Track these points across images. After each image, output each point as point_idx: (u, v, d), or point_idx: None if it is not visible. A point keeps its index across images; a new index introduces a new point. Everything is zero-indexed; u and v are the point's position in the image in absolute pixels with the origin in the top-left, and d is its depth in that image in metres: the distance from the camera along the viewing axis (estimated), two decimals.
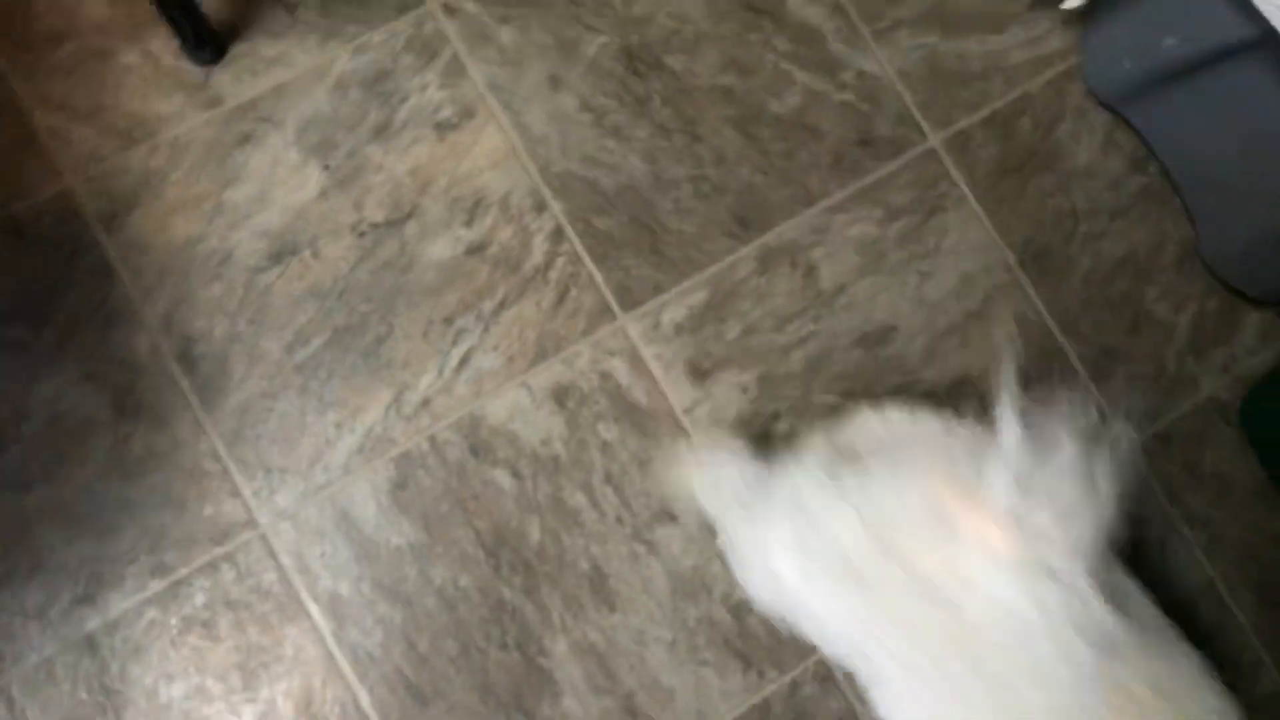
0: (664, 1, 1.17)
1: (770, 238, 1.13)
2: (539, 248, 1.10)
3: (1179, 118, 1.10)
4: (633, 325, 1.10)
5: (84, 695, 0.97)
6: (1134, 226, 1.19)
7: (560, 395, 1.07)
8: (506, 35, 1.14)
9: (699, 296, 1.11)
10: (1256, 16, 0.89)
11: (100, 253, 1.06)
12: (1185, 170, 1.14)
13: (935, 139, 1.17)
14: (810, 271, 1.12)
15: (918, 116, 1.18)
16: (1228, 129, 1.05)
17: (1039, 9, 1.22)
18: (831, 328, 1.11)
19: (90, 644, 0.98)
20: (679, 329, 1.10)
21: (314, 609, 1.01)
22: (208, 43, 1.10)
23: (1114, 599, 0.68)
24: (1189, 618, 1.07)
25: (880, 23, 1.20)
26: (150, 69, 1.10)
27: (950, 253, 1.15)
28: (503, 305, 1.09)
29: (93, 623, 0.98)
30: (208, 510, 1.01)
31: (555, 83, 1.14)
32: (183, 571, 1.00)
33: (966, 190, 1.16)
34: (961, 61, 1.20)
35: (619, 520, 1.06)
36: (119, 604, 0.99)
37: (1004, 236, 1.16)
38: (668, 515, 1.06)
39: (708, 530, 1.06)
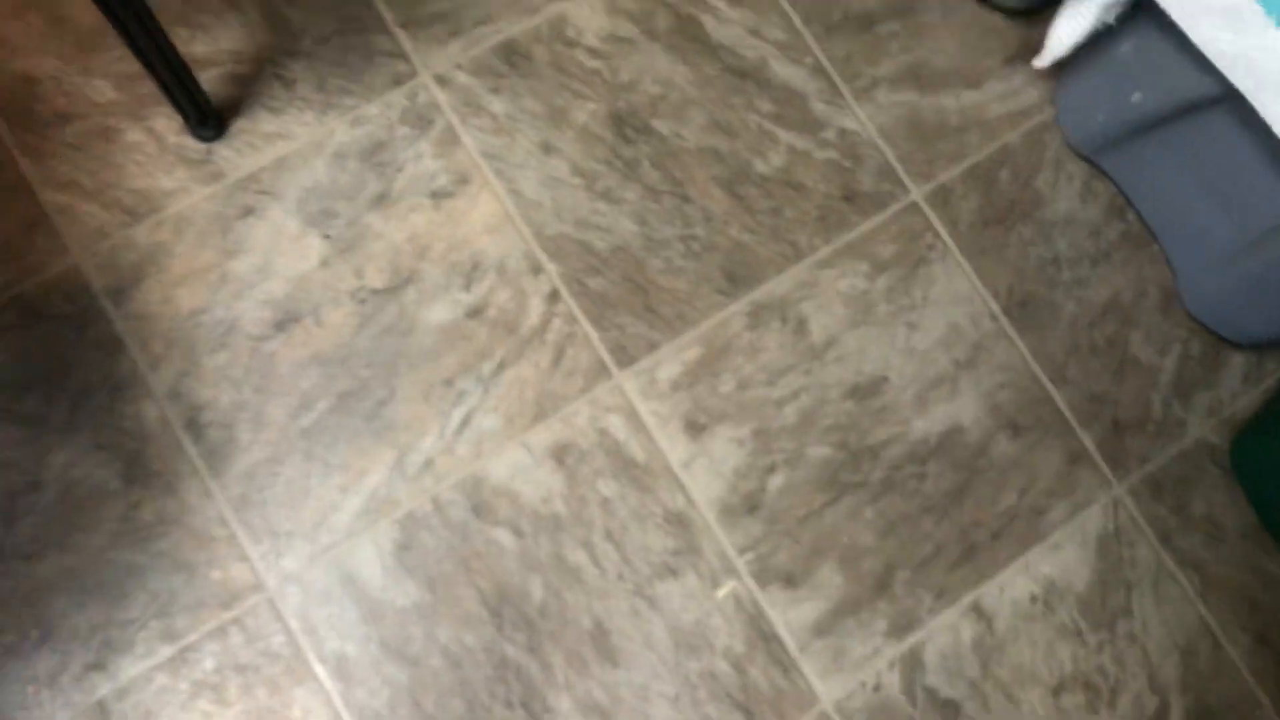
0: (649, 68, 1.21)
1: (760, 294, 1.16)
2: (535, 309, 1.13)
3: (1152, 167, 1.14)
4: (629, 382, 1.12)
5: None
6: (1116, 272, 1.22)
7: (559, 453, 1.10)
8: (498, 104, 1.18)
9: (692, 353, 1.13)
10: (1217, 73, 0.93)
11: (108, 326, 1.08)
12: (1161, 217, 1.18)
13: (917, 192, 1.21)
14: (800, 326, 1.15)
15: (899, 171, 1.21)
16: (1198, 178, 1.09)
17: (1013, 64, 1.26)
18: (823, 380, 1.14)
19: (102, 710, 0.99)
20: (674, 385, 1.12)
21: (321, 670, 1.02)
22: (209, 119, 1.14)
23: None
24: (1185, 661, 1.08)
25: (860, 81, 1.24)
26: (154, 146, 1.14)
27: (937, 303, 1.17)
28: (502, 366, 1.11)
29: (104, 689, 1.00)
30: (216, 575, 1.03)
31: (547, 149, 1.18)
32: (192, 636, 1.02)
33: (950, 242, 1.20)
34: (940, 116, 1.24)
35: (620, 576, 1.07)
36: (129, 670, 1.01)
37: (989, 286, 1.19)
38: (668, 570, 1.08)
39: (708, 583, 1.08)
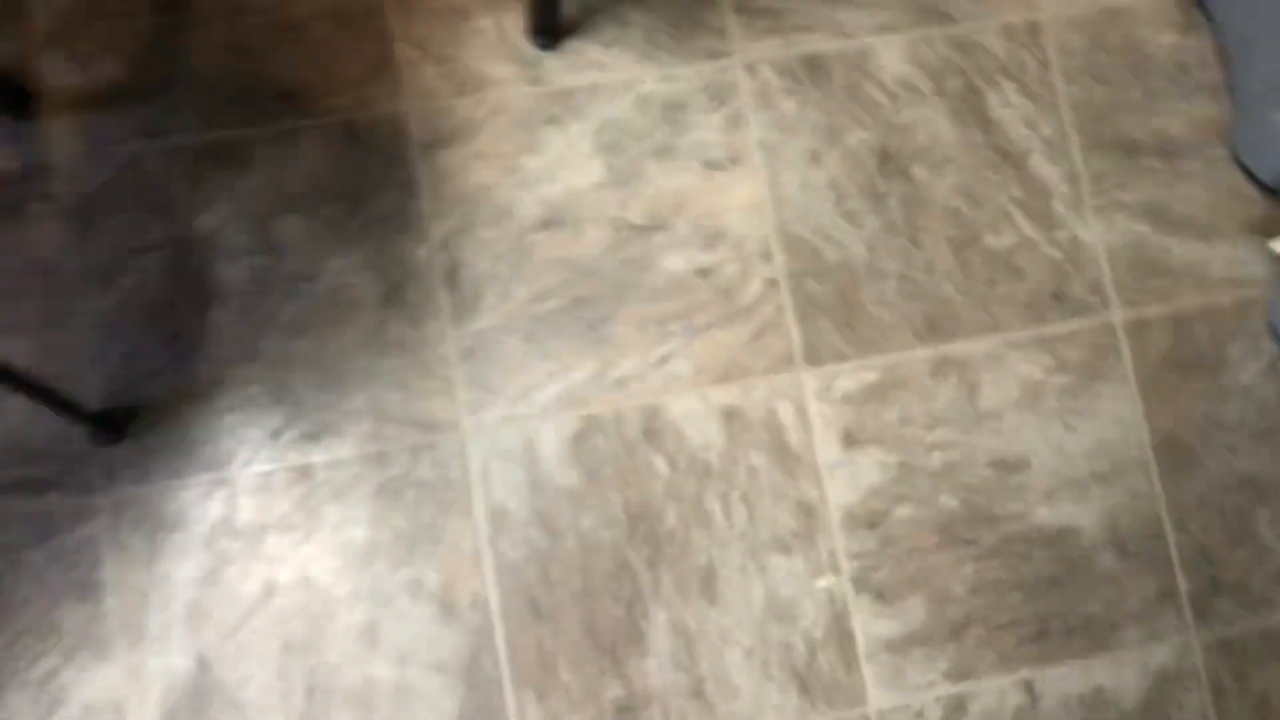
0: (927, 121, 1.34)
1: (950, 349, 1.28)
2: (754, 289, 1.28)
3: None
4: (809, 380, 1.26)
5: (287, 509, 1.19)
6: (1269, 453, 1.30)
7: (729, 415, 1.25)
8: (788, 105, 1.33)
9: (872, 376, 1.27)
10: None
11: (412, 172, 1.27)
12: None
13: (1118, 316, 1.31)
14: (973, 389, 1.28)
15: (1110, 290, 1.32)
16: None
17: (1249, 235, 1.35)
18: (974, 443, 1.27)
19: (306, 473, 1.19)
20: (847, 397, 1.26)
21: (481, 512, 1.20)
22: (551, 32, 1.31)
23: None
24: None
25: (1104, 199, 1.34)
26: (497, 37, 1.31)
27: (1098, 417, 1.29)
28: (709, 325, 1.27)
29: (314, 458, 1.20)
30: (427, 403, 1.22)
31: (814, 157, 1.32)
32: (393, 445, 1.21)
33: (1131, 369, 1.30)
34: (1164, 256, 1.34)
35: (741, 535, 1.23)
36: (336, 451, 1.20)
37: (1150, 420, 1.29)
38: (784, 546, 1.23)
39: (812, 570, 1.23)
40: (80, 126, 1.25)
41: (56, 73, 1.26)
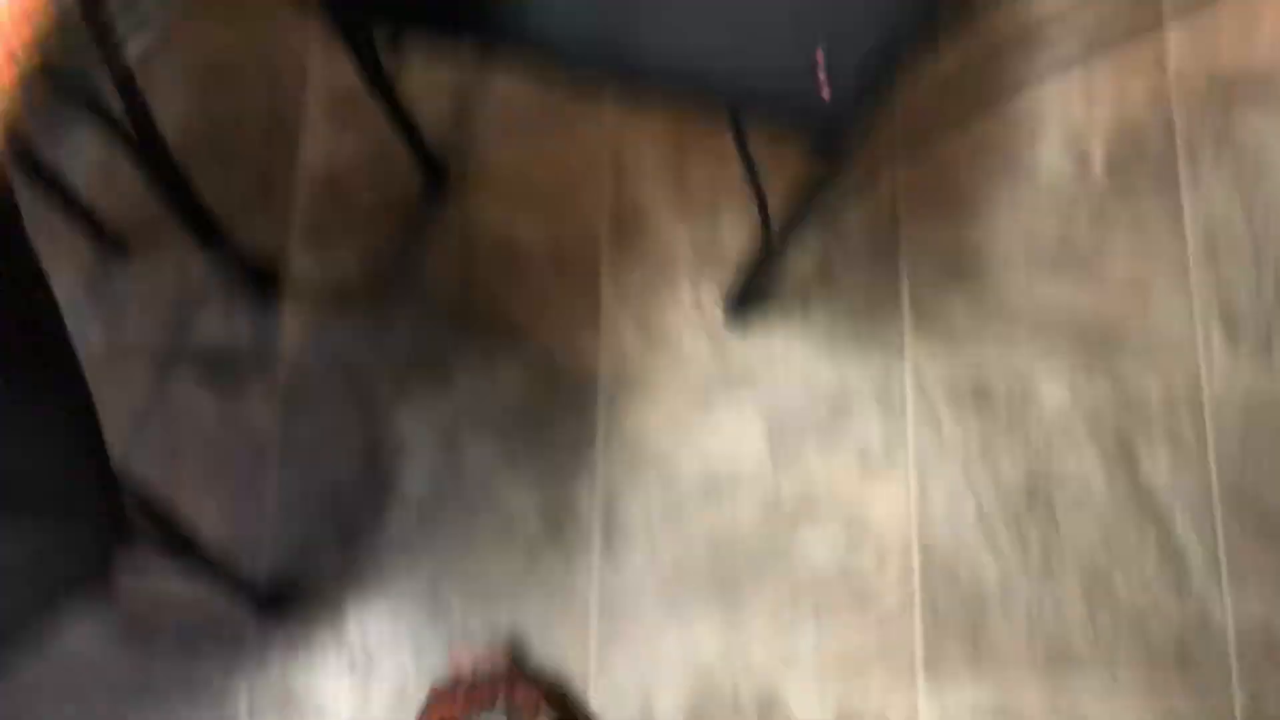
0: (1078, 459, 1.40)
1: (1066, 684, 1.31)
2: (889, 596, 1.33)
3: None
4: (924, 701, 1.30)
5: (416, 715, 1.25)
6: None
7: (842, 712, 1.29)
8: (948, 427, 1.40)
9: (985, 699, 1.30)
10: None
11: (592, 414, 1.37)
12: None
13: (1239, 699, 1.32)
14: None
15: (1234, 671, 1.33)
16: None
17: None
18: None
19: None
20: (958, 717, 1.29)
21: None
22: (745, 313, 1.42)
23: None
24: None
25: (1246, 577, 1.37)
26: (692, 307, 1.43)
27: None
28: (839, 622, 1.32)
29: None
30: (562, 638, 1.29)
31: (967, 479, 1.38)
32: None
33: None
34: None
35: None
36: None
37: None
38: None
39: None
40: (310, 317, 1.39)
41: (301, 266, 1.41)
